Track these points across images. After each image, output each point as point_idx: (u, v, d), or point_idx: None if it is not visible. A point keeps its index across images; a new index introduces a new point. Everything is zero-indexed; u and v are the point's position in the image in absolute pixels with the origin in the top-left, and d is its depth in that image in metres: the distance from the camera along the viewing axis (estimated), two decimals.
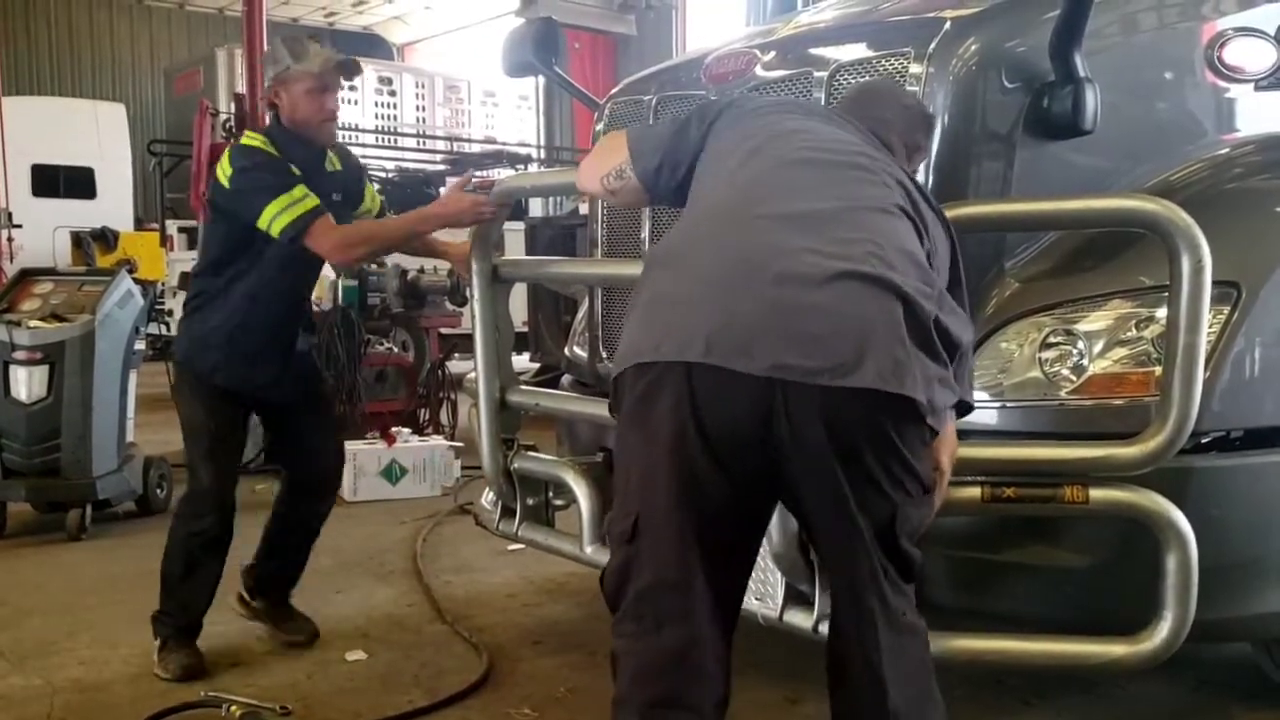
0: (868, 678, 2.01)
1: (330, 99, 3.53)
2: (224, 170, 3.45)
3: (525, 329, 8.81)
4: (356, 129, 15.87)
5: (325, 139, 3.60)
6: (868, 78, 2.91)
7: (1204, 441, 2.54)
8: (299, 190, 3.36)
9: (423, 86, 17.85)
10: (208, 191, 3.59)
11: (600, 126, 3.76)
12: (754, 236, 2.01)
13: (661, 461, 1.98)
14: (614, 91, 3.79)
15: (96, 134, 16.51)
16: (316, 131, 3.54)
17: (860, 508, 1.96)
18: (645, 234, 3.47)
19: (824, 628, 2.64)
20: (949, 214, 2.60)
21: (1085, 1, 2.66)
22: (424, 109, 17.75)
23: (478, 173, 3.68)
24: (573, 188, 3.58)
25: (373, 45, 21.68)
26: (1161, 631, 2.41)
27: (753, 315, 1.91)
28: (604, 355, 3.72)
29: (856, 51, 3.03)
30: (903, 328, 1.92)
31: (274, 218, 3.32)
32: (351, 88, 16.78)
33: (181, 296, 8.83)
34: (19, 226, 12.94)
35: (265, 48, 7.58)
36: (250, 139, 3.57)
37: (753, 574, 2.73)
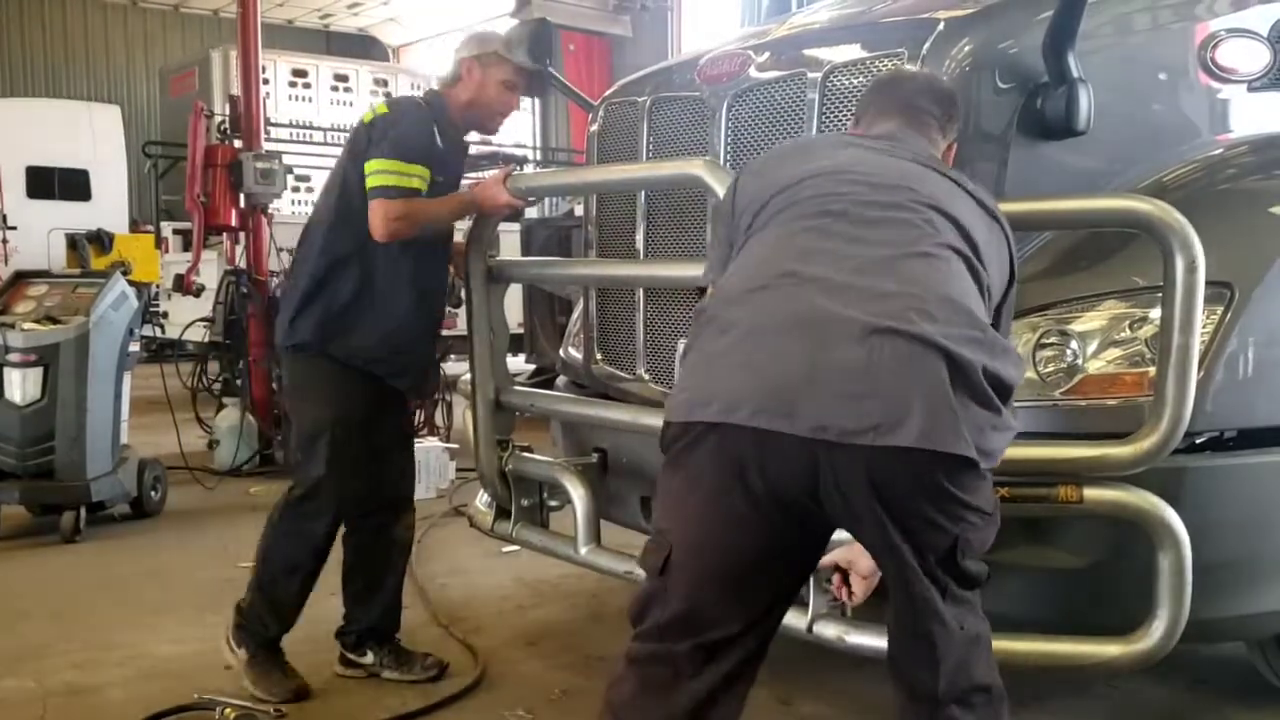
0: (927, 690, 2.03)
1: (517, 100, 3.50)
2: (377, 110, 3.39)
3: (520, 330, 8.81)
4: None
5: (489, 131, 3.58)
6: (863, 79, 2.91)
7: (1198, 441, 2.55)
8: (417, 169, 3.23)
9: (417, 88, 17.85)
10: (350, 141, 3.44)
11: (595, 128, 3.75)
12: (795, 296, 2.00)
13: (703, 508, 2.00)
14: (609, 93, 3.78)
15: (91, 136, 16.49)
16: (487, 122, 3.50)
17: (916, 549, 1.96)
18: (639, 236, 3.47)
19: (818, 628, 2.65)
20: None
21: (1078, 2, 2.66)
22: None
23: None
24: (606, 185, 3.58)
25: (368, 47, 21.69)
26: (1156, 631, 2.41)
27: (795, 376, 1.92)
28: (598, 357, 3.71)
29: (851, 52, 3.03)
30: (946, 383, 1.89)
31: (378, 171, 3.20)
32: (348, 89, 16.81)
33: (176, 299, 8.82)
34: (14, 229, 12.94)
35: (260, 49, 7.57)
36: (414, 99, 3.50)
37: None
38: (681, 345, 3.29)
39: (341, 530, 3.54)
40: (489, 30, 3.48)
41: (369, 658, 3.56)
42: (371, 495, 3.49)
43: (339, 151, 3.49)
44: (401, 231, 3.27)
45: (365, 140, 3.30)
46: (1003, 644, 2.48)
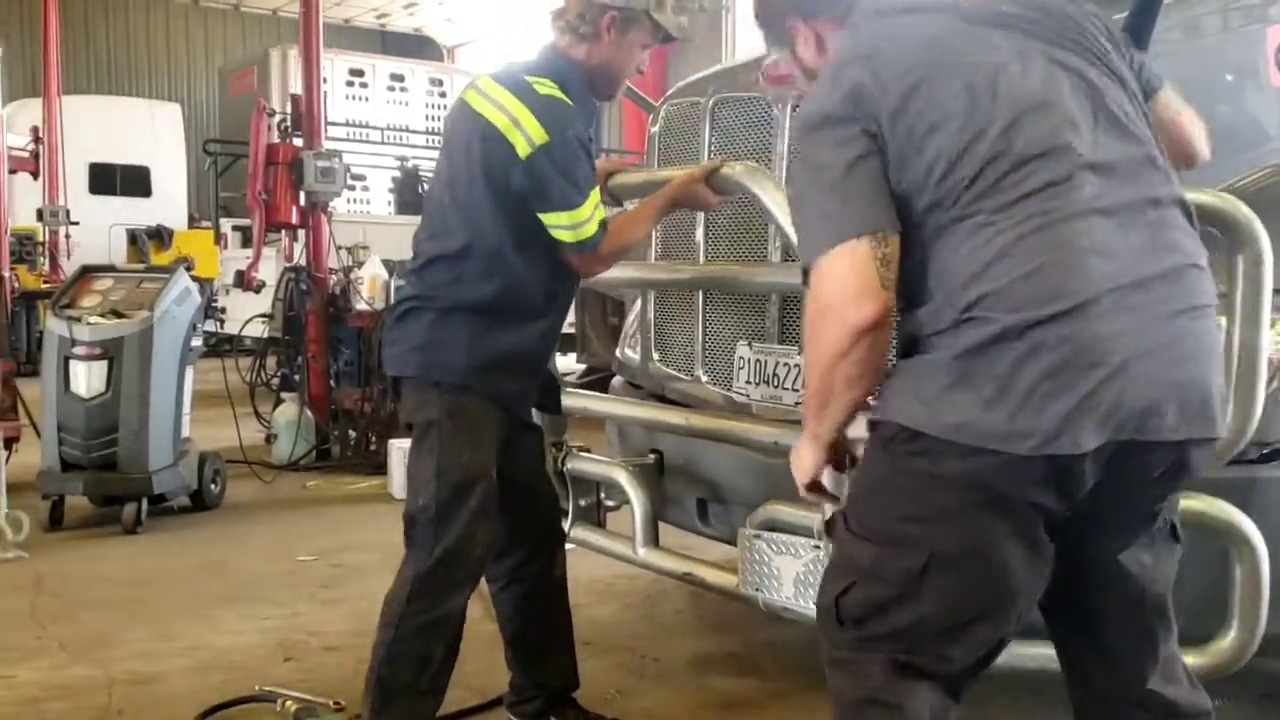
0: None
1: (646, 61, 2.85)
2: (532, 132, 2.58)
3: (572, 330, 8.84)
4: (407, 130, 15.98)
5: (605, 99, 2.92)
6: None
7: (1266, 452, 2.49)
8: (594, 196, 2.69)
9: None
10: (481, 160, 2.67)
11: (656, 129, 3.75)
12: None
13: None
14: (670, 93, 3.78)
15: (152, 133, 16.78)
16: (608, 89, 2.84)
17: None
18: (699, 236, 3.45)
19: None
20: None
21: (1154, 5, 2.62)
22: None
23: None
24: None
25: (423, 47, 21.87)
26: (1229, 643, 2.37)
27: None
28: (655, 357, 3.71)
29: None
30: None
31: (580, 224, 2.64)
32: (404, 89, 16.93)
33: (235, 295, 8.94)
34: (76, 224, 13.17)
35: (320, 48, 7.66)
36: (550, 87, 2.65)
37: (755, 562, 2.74)
38: (740, 347, 3.28)
39: (492, 587, 3.13)
40: None
41: None
42: (528, 536, 3.07)
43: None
44: (612, 264, 2.88)
45: (539, 178, 2.63)
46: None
